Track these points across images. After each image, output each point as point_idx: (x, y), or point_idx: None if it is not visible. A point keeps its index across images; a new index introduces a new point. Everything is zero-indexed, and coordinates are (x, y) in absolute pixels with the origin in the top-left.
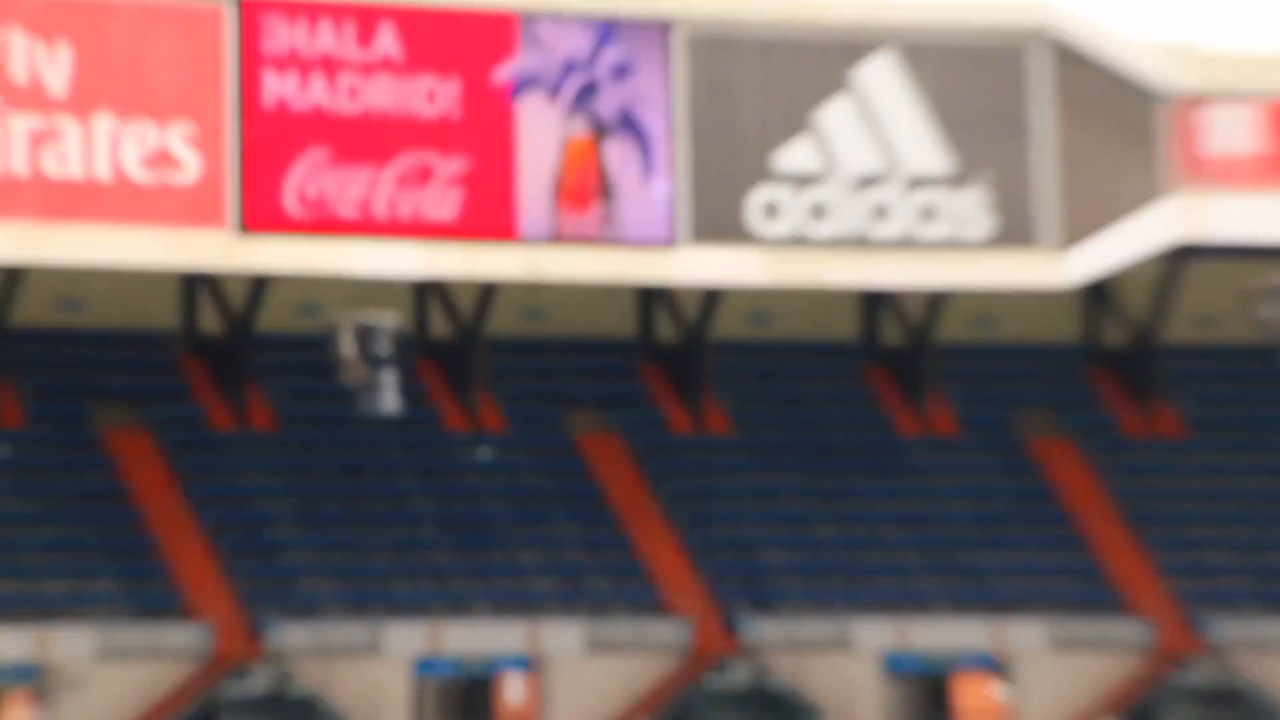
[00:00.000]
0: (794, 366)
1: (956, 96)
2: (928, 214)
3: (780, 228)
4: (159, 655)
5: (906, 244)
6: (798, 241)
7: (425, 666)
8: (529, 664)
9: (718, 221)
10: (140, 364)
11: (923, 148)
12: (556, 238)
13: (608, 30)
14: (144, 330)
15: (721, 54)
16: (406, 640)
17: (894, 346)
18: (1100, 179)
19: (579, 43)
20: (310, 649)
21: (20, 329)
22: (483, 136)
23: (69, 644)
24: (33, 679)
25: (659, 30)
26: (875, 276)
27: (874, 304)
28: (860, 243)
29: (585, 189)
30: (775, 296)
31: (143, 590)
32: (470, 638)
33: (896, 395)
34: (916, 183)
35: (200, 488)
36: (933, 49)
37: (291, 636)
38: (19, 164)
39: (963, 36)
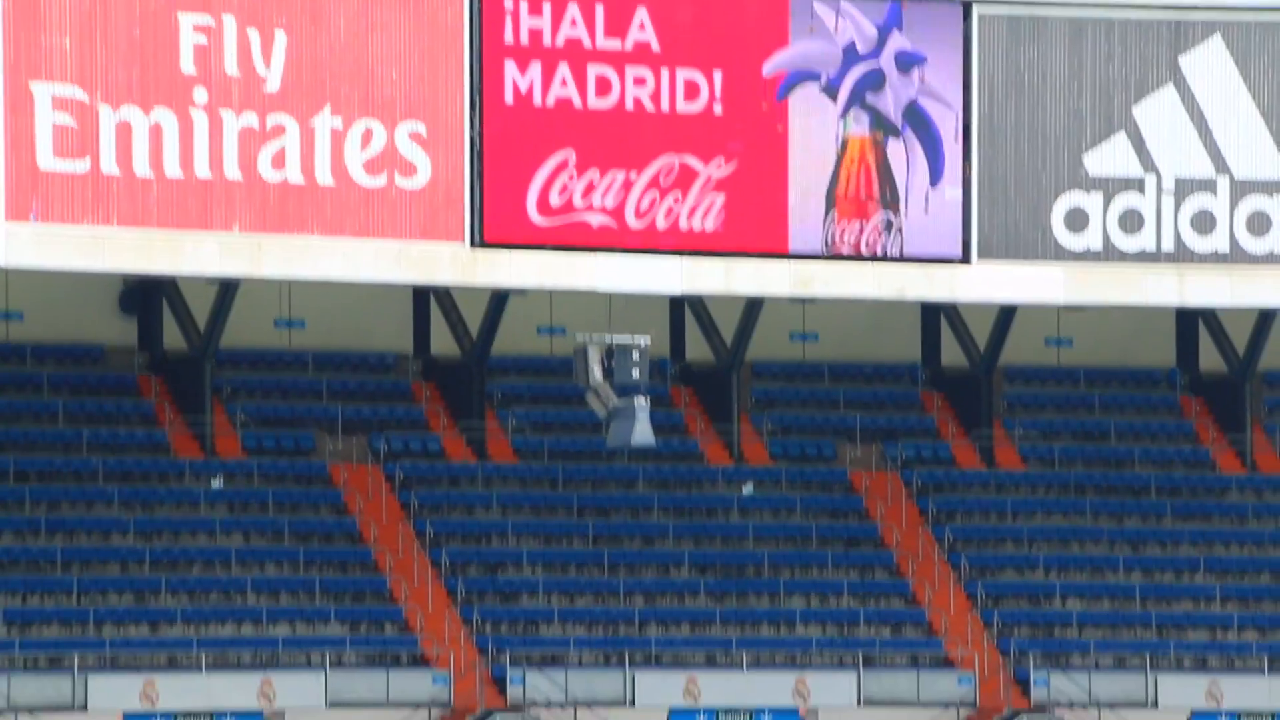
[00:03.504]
0: (1098, 396)
1: None
2: (1258, 224)
3: (1087, 240)
4: (393, 705)
5: (1232, 258)
6: (1106, 255)
7: (682, 719)
8: (795, 718)
9: (1015, 233)
10: (368, 389)
11: (1255, 149)
12: (831, 251)
13: (895, 13)
14: (371, 352)
15: (1026, 39)
16: (661, 691)
17: (1214, 373)
18: None
19: (860, 28)
20: (556, 700)
21: (236, 350)
22: (749, 136)
23: (297, 692)
24: None
25: (955, 12)
26: (1195, 295)
27: (1191, 326)
28: (1179, 257)
29: (864, 196)
30: (1079, 318)
31: (374, 635)
32: (731, 689)
33: (1216, 428)
34: (1246, 189)
35: (434, 524)
36: (1271, 33)
37: (536, 686)
38: (231, 168)
39: None
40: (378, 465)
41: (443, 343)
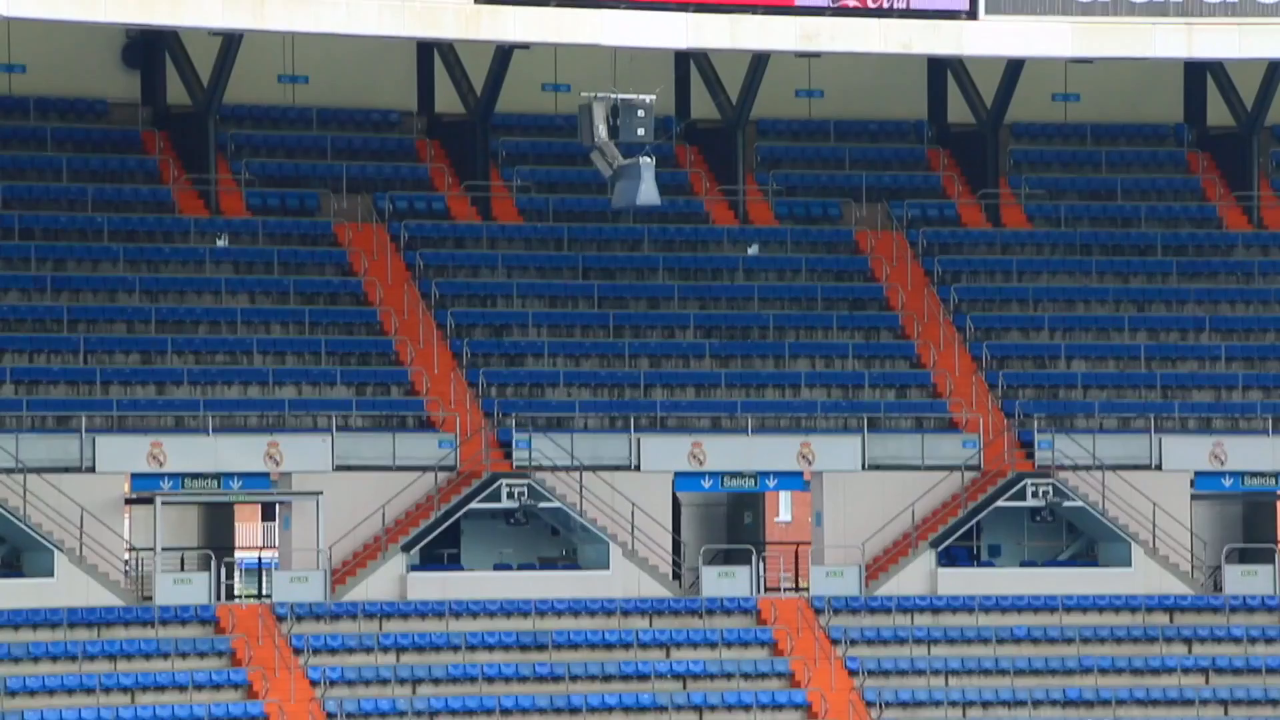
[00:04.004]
0: (1105, 152)
1: None
2: None
3: None
4: (399, 468)
5: (1241, 10)
6: (1114, 8)
7: (687, 483)
8: (800, 482)
9: None
10: (373, 147)
11: None
12: (836, 4)
13: None
14: (375, 109)
15: None
16: (666, 455)
17: (1222, 128)
18: None
19: None
20: (563, 463)
21: (237, 106)
22: None
23: (303, 455)
24: (266, 490)
25: None
26: (1203, 48)
27: (1200, 80)
28: (1187, 10)
29: None
30: (1085, 72)
31: (380, 398)
32: (735, 452)
33: (1223, 184)
34: None
35: (439, 285)
36: None
37: (541, 449)
38: None
39: None
40: (382, 225)
41: (448, 101)
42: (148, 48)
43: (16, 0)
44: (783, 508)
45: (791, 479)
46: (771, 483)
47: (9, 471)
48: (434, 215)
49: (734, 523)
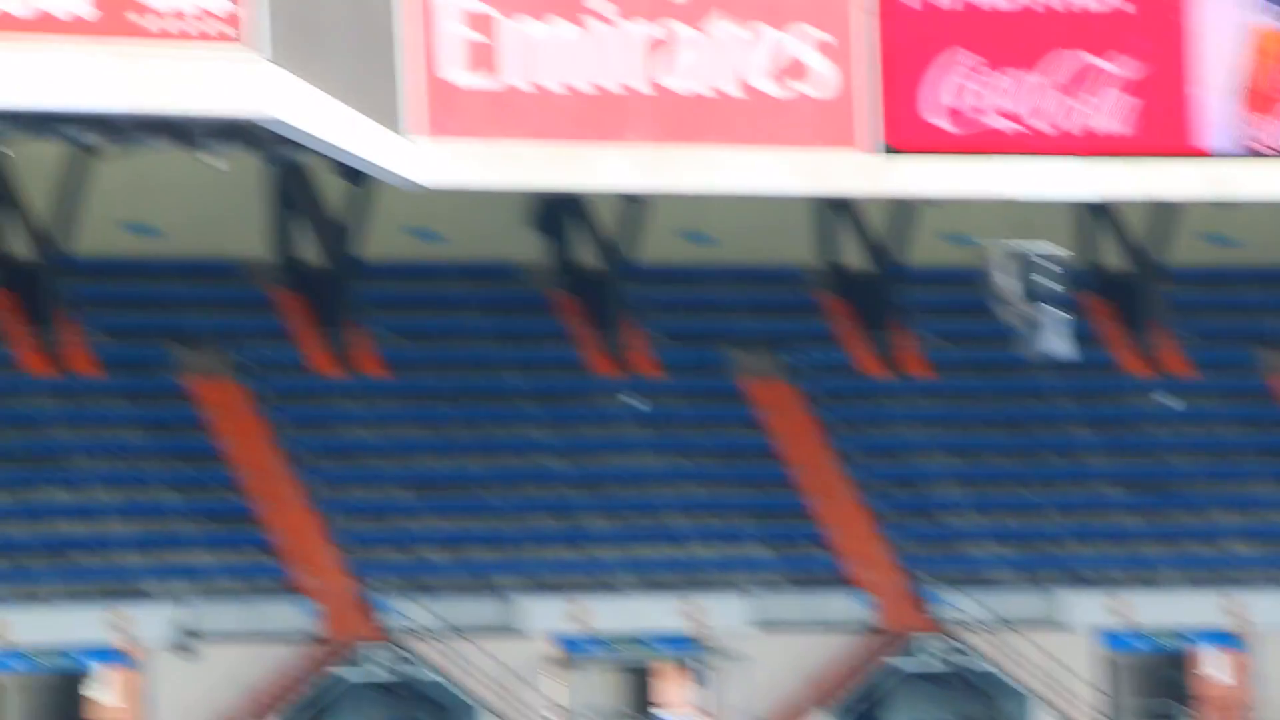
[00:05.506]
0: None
1: None
2: None
3: None
4: (820, 627)
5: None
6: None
7: (1112, 640)
8: (1226, 639)
9: None
10: (777, 303)
11: None
12: (1247, 150)
13: None
14: (778, 265)
15: None
16: (1089, 611)
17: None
18: None
19: None
20: (983, 620)
21: (643, 265)
22: (1155, 31)
23: (724, 615)
24: (688, 652)
25: None
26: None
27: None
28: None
29: (1278, 91)
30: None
31: (798, 555)
32: (1163, 609)
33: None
34: None
35: (850, 441)
36: None
37: (961, 606)
38: (634, 78)
39: None
40: (787, 380)
41: (850, 255)
42: (555, 210)
43: (433, 168)
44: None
45: (1219, 637)
46: (1198, 640)
47: (434, 634)
48: (835, 368)
49: (1163, 679)
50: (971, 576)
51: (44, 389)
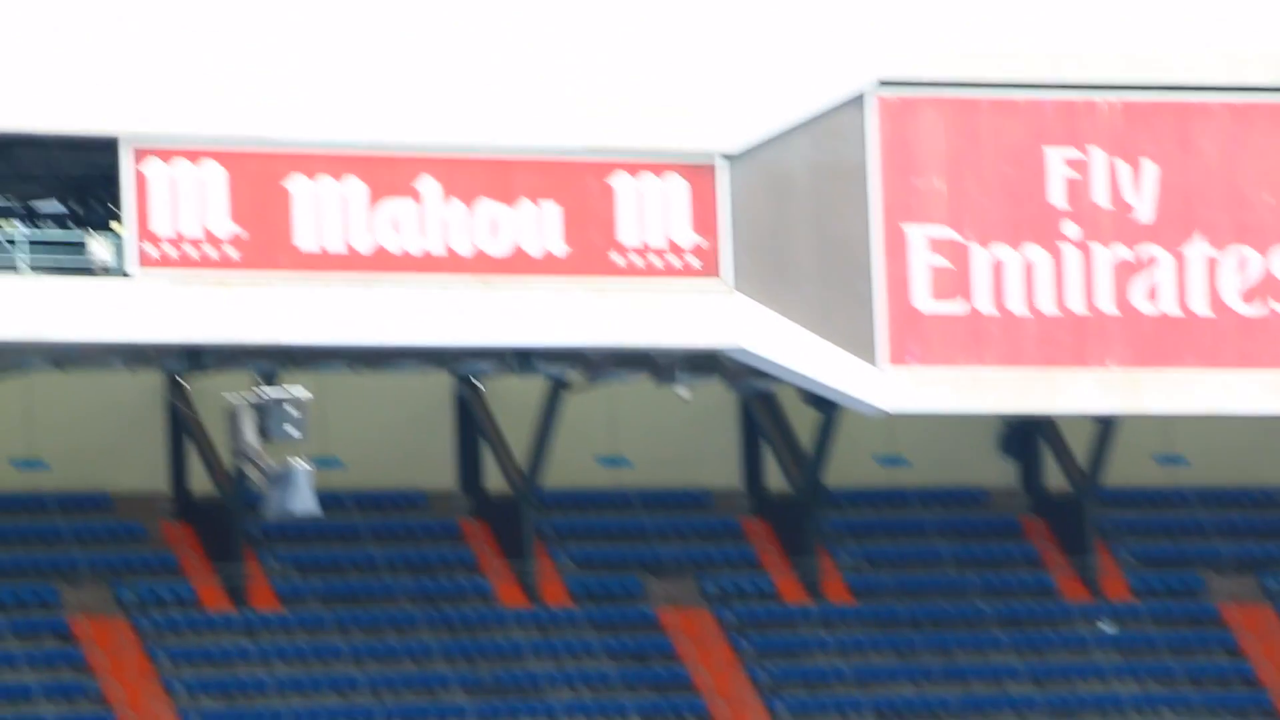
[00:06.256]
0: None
1: None
2: None
3: None
4: None
5: None
6: None
7: None
8: None
9: None
10: (1257, 526)
11: None
12: None
13: None
14: (1255, 487)
15: None
16: None
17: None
18: None
19: None
20: None
21: (1114, 487)
22: None
23: None
24: None
25: None
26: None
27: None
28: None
29: None
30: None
31: None
32: None
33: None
34: None
35: None
36: None
37: None
38: (1105, 301)
39: None
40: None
41: None
42: (1024, 434)
43: (897, 395)
44: None
45: None
46: None
47: None
48: None
49: None
50: None
51: (519, 620)
